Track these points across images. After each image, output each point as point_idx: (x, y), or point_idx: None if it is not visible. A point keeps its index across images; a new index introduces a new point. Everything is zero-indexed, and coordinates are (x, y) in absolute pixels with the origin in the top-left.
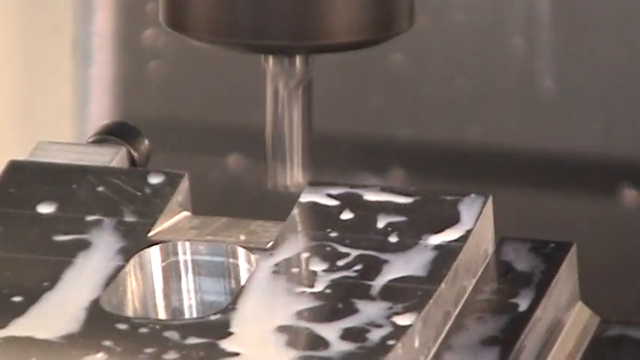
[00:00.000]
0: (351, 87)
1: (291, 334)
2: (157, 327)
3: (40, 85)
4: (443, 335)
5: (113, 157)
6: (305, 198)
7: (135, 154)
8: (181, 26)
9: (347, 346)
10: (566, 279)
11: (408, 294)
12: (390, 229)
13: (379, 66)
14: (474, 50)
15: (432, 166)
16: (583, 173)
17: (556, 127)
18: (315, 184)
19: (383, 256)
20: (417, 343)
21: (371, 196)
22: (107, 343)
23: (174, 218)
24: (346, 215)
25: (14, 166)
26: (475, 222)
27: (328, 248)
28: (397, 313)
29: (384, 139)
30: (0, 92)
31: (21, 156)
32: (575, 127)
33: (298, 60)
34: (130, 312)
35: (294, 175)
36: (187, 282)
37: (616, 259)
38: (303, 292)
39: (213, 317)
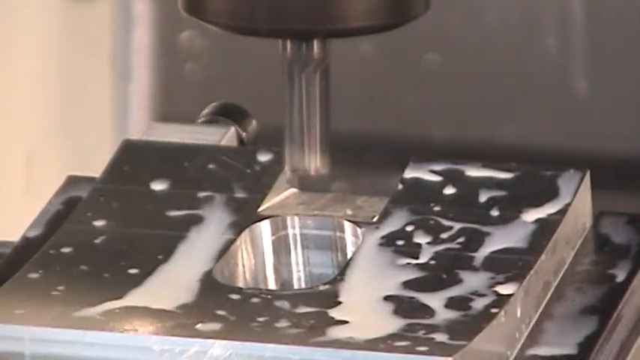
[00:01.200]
0: (386, 87)
1: (397, 304)
2: (269, 297)
3: (80, 101)
4: (543, 304)
5: (222, 136)
6: (409, 174)
7: (243, 134)
8: (198, 11)
9: (452, 315)
10: None
11: (509, 265)
12: (491, 203)
13: (413, 66)
14: (508, 50)
15: None
16: (616, 173)
17: (589, 127)
18: (417, 160)
19: (485, 228)
20: (518, 312)
21: (473, 172)
22: (221, 312)
23: (282, 194)
24: (449, 190)
25: (128, 146)
26: (573, 196)
27: (432, 222)
28: (499, 283)
29: (419, 139)
30: (40, 108)
31: (60, 173)
32: (608, 127)
33: (316, 44)
34: (241, 284)
35: (312, 159)
36: (296, 255)
37: None
38: (408, 263)
39: (322, 287)
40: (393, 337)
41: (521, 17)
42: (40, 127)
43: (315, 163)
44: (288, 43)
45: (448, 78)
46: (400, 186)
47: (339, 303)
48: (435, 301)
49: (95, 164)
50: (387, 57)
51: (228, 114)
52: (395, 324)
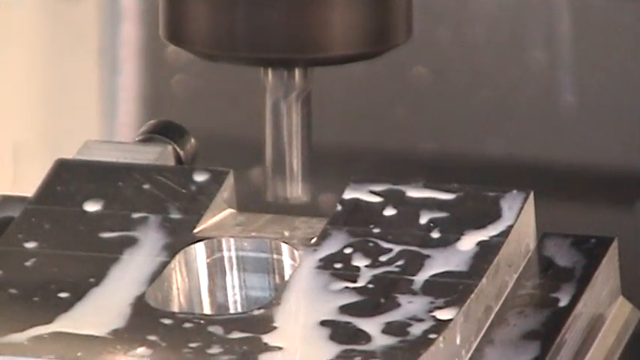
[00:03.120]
0: (374, 100)
1: (333, 329)
2: (202, 322)
3: (68, 94)
4: (484, 329)
5: (159, 155)
6: (348, 195)
7: (181, 153)
8: (180, 40)
9: (389, 341)
10: (607, 274)
11: (449, 289)
12: (432, 224)
13: (402, 79)
14: (496, 63)
15: (454, 178)
16: (603, 185)
17: (576, 139)
18: (357, 180)
19: (425, 251)
20: (458, 337)
21: (413, 193)
22: (152, 337)
23: (219, 215)
24: (389, 211)
25: (61, 165)
26: (516, 217)
27: (371, 244)
28: (439, 308)
29: (407, 152)
30: (28, 100)
31: (47, 165)
32: (594, 139)
33: (297, 73)
34: (175, 308)
35: (293, 187)
36: (232, 278)
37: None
38: (346, 287)
39: (256, 312)
40: None
41: (509, 30)
42: (27, 120)
43: (296, 191)
44: (270, 71)
45: (436, 91)
46: (339, 207)
47: (274, 328)
48: (372, 326)
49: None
50: (375, 70)
51: (166, 132)
52: (330, 350)
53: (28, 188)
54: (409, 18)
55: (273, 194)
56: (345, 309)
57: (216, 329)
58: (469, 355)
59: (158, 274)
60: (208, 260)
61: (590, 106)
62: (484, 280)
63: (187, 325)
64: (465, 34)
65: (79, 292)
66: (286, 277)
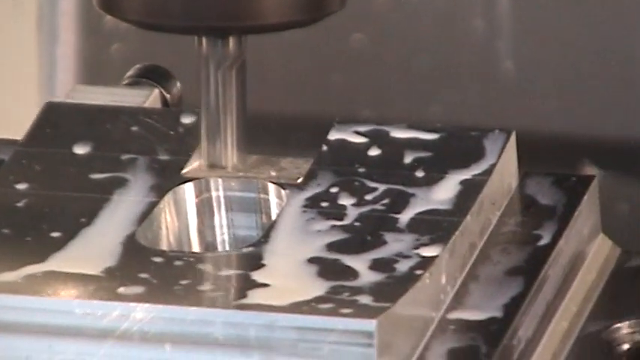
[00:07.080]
0: (312, 67)
1: (321, 266)
2: (192, 260)
3: (6, 63)
4: (469, 266)
5: (146, 98)
6: (333, 135)
7: (167, 96)
8: (113, 8)
9: (376, 277)
10: (587, 211)
11: (434, 226)
12: (416, 164)
13: (340, 46)
14: (435, 30)
15: None
16: (543, 151)
17: (516, 106)
18: (342, 121)
19: (410, 190)
20: (443, 274)
21: (397, 133)
22: (143, 275)
23: None
24: (374, 151)
25: (50, 108)
26: (499, 156)
27: (357, 183)
28: (424, 245)
29: (346, 119)
30: None
31: None
32: (534, 105)
33: (231, 41)
34: (164, 247)
35: (229, 155)
36: (220, 217)
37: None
38: (333, 225)
39: (245, 250)
40: (317, 299)
41: None
42: None
43: (232, 159)
44: (204, 40)
45: (375, 58)
46: (324, 147)
47: (263, 265)
48: (359, 263)
49: (21, 126)
50: (314, 37)
51: (152, 76)
52: (319, 286)
53: None
54: None
55: (209, 162)
56: (332, 246)
57: (206, 267)
58: (454, 290)
59: (148, 214)
60: (197, 200)
61: (529, 72)
62: (468, 217)
63: (178, 262)
64: (403, 2)
65: (70, 232)
66: (273, 217)
